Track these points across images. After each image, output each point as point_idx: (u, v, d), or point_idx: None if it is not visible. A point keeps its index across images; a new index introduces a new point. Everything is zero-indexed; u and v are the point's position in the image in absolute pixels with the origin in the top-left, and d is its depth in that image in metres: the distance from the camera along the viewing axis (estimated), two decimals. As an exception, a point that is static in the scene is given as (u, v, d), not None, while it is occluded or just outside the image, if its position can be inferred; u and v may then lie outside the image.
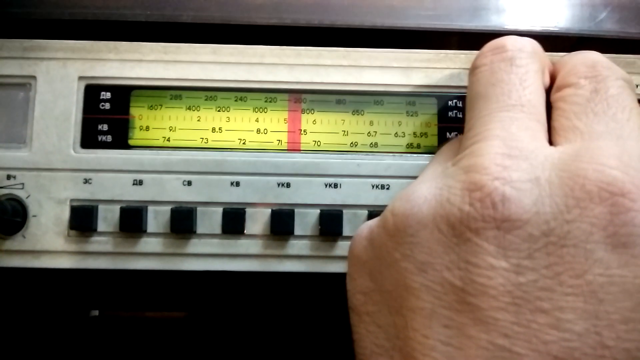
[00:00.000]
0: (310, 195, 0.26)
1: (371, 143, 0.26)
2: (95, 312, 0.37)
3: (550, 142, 0.20)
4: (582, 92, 0.21)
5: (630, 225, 0.17)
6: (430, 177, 0.21)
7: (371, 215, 0.26)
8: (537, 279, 0.17)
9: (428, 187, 0.20)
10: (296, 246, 0.26)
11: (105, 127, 0.26)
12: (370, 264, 0.21)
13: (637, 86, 0.26)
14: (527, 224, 0.17)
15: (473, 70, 0.22)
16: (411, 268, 0.19)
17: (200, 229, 0.26)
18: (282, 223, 0.25)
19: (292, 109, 0.27)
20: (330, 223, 0.25)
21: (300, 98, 0.27)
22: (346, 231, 0.26)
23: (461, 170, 0.19)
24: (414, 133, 0.26)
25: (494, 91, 0.21)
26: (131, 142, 0.26)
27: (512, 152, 0.19)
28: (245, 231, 0.26)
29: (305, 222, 0.26)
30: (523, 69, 0.21)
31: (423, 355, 0.18)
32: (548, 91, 0.22)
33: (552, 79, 0.23)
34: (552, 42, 0.27)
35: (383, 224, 0.20)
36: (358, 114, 0.27)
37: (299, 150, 0.26)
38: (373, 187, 0.26)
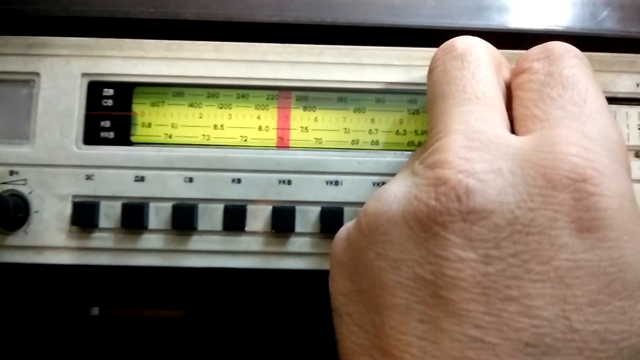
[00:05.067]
0: (311, 192, 0.26)
1: (372, 141, 0.26)
2: (96, 311, 0.38)
3: (514, 133, 0.20)
4: (536, 76, 0.21)
5: (593, 210, 0.17)
6: (400, 177, 0.21)
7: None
8: (505, 268, 0.17)
9: (398, 186, 0.20)
10: (297, 243, 0.26)
11: (107, 123, 0.26)
12: (349, 265, 0.21)
13: (638, 85, 0.26)
14: (492, 214, 0.18)
15: (429, 73, 0.23)
16: (385, 266, 0.19)
17: (201, 226, 0.26)
18: (283, 220, 0.25)
19: (294, 107, 0.27)
20: (331, 220, 0.25)
21: (302, 95, 0.27)
22: (347, 228, 0.26)
23: (427, 167, 0.19)
24: (415, 131, 0.27)
25: (449, 89, 0.21)
26: (133, 138, 0.26)
27: (473, 144, 0.19)
28: (246, 228, 0.26)
29: (306, 219, 0.26)
30: (474, 63, 0.21)
31: (401, 351, 0.18)
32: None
33: None
34: (554, 41, 0.27)
35: (357, 224, 0.21)
36: (359, 112, 0.27)
37: (301, 148, 0.26)
38: (374, 184, 0.26)
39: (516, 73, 0.22)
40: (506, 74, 0.23)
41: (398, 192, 0.20)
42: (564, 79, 0.20)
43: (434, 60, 0.23)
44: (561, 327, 0.17)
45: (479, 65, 0.21)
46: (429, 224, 0.18)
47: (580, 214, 0.17)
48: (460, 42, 0.22)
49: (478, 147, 0.19)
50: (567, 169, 0.18)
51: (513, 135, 0.20)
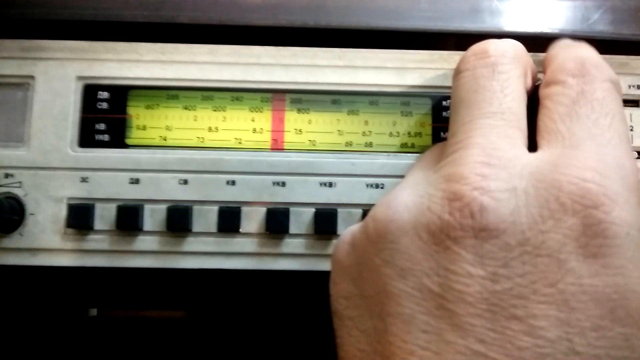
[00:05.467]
0: (305, 194, 0.26)
1: (366, 143, 0.27)
2: (94, 312, 0.38)
3: (534, 141, 0.21)
4: (568, 92, 0.21)
5: (601, 237, 0.17)
6: (411, 183, 0.21)
7: (365, 214, 0.26)
8: (512, 287, 0.17)
9: (409, 193, 0.20)
10: (291, 244, 0.26)
11: (102, 126, 0.27)
12: (352, 269, 0.21)
13: (630, 87, 0.27)
14: (504, 233, 0.18)
15: (457, 74, 0.23)
16: (391, 274, 0.19)
17: (196, 228, 0.26)
18: (277, 222, 0.26)
19: (288, 109, 0.27)
20: (325, 222, 0.26)
21: (296, 98, 0.27)
22: (340, 230, 0.26)
23: (442, 178, 0.19)
24: (409, 133, 0.27)
25: (476, 98, 0.21)
26: (128, 141, 0.27)
27: (491, 161, 0.19)
28: (240, 230, 0.26)
29: (300, 220, 0.26)
30: (505, 75, 0.21)
31: (402, 359, 0.18)
32: (529, 92, 0.23)
33: (541, 73, 0.23)
34: (547, 43, 0.27)
35: (365, 229, 0.21)
36: (353, 114, 0.27)
37: (295, 150, 0.26)
38: (367, 186, 0.26)
39: (548, 82, 0.22)
40: (529, 82, 0.23)
41: (409, 200, 0.20)
42: (594, 100, 0.20)
43: (463, 62, 0.23)
44: (563, 348, 0.17)
45: (509, 78, 0.21)
46: (441, 237, 0.18)
47: (588, 240, 0.17)
48: (494, 49, 0.22)
49: (495, 164, 0.19)
50: (579, 194, 0.18)
51: (531, 154, 0.20)
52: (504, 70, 0.21)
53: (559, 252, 0.17)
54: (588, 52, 0.22)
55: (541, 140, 0.21)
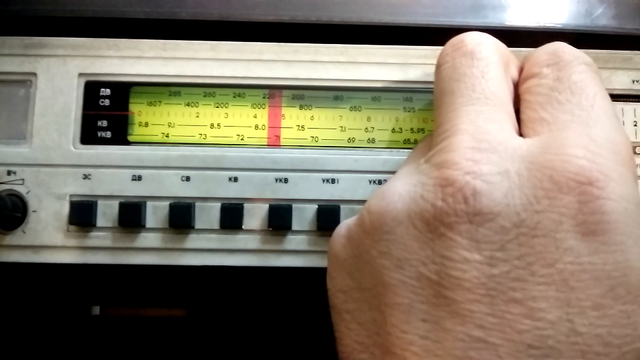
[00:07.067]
0: (307, 190, 0.26)
1: (368, 139, 0.27)
2: (97, 310, 0.38)
3: (521, 135, 0.20)
4: (545, 81, 0.21)
5: (598, 213, 0.17)
6: (404, 174, 0.21)
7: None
8: (509, 270, 0.17)
9: (402, 184, 0.20)
10: (294, 241, 0.26)
11: (104, 123, 0.26)
12: (349, 262, 0.21)
13: (634, 82, 0.27)
14: (498, 216, 0.18)
15: (437, 68, 0.23)
16: (388, 265, 0.19)
17: (198, 224, 0.26)
18: (280, 218, 0.26)
19: (291, 105, 0.27)
20: (328, 218, 0.26)
21: (298, 94, 0.27)
22: (343, 226, 0.26)
23: (433, 166, 0.19)
24: (411, 129, 0.27)
25: (458, 86, 0.21)
26: (130, 138, 0.26)
27: (481, 146, 0.19)
28: (243, 226, 0.26)
29: (303, 217, 0.26)
30: (484, 61, 0.21)
31: (402, 350, 0.18)
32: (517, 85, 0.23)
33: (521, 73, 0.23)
34: (551, 38, 0.27)
35: (360, 222, 0.20)
36: (356, 110, 0.27)
37: (297, 146, 0.26)
38: (370, 182, 0.26)
39: (525, 78, 0.22)
40: (514, 72, 0.23)
41: (403, 190, 0.20)
42: (572, 84, 0.20)
43: (442, 56, 0.23)
44: (564, 329, 0.17)
45: (488, 63, 0.21)
46: (435, 225, 0.18)
47: (585, 217, 0.17)
48: (470, 39, 0.22)
49: (486, 148, 0.19)
50: (573, 171, 0.18)
51: (520, 138, 0.20)
52: (482, 56, 0.21)
53: (556, 231, 0.17)
54: (561, 44, 0.22)
55: (527, 131, 0.20)
